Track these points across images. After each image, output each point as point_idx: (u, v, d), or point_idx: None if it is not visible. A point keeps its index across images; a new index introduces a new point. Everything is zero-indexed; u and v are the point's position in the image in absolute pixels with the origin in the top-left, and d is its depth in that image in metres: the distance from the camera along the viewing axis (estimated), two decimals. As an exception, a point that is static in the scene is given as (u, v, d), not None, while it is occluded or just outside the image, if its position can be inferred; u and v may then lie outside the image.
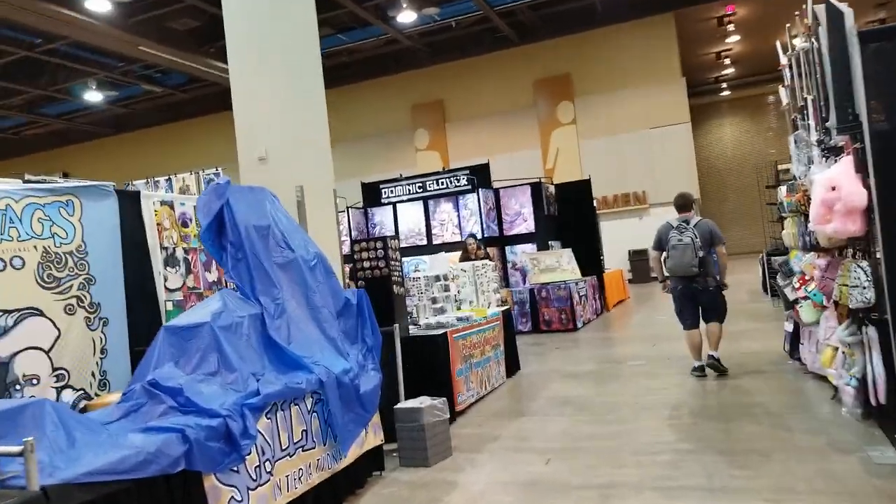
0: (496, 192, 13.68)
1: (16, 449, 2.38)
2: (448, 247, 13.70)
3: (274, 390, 3.73)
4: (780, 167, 12.74)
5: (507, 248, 13.56)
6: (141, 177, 7.50)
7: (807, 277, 6.16)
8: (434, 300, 8.23)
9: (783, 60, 6.68)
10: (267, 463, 3.62)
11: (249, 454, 3.46)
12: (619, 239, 20.80)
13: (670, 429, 5.22)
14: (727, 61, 25.25)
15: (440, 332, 6.38)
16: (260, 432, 3.58)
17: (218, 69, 18.62)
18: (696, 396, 6.18)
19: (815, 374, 6.15)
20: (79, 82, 20.91)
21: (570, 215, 14.23)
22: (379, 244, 6.30)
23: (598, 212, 21.35)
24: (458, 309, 8.02)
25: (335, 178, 6.99)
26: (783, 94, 6.89)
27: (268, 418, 3.69)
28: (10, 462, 2.50)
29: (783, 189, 6.67)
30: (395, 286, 6.27)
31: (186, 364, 3.56)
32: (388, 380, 5.06)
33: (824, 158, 5.05)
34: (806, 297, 6.00)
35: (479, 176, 13.74)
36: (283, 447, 3.78)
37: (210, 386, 3.47)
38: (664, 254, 6.79)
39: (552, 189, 14.21)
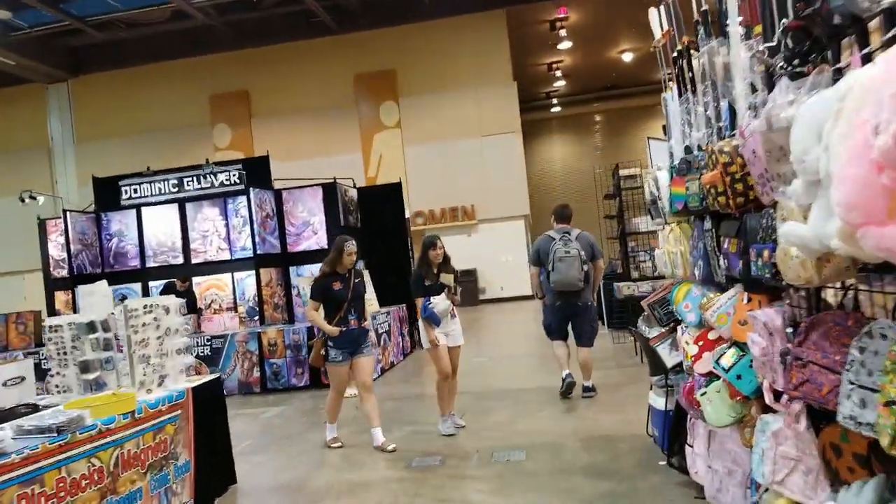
0: (277, 194, 10.06)
1: None
2: (213, 268, 9.88)
3: None
4: (622, 172, 10.34)
5: (293, 270, 9.97)
6: None
7: (712, 337, 3.23)
8: (85, 366, 4.50)
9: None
10: None
11: None
12: (445, 257, 17.93)
13: None
14: (558, 73, 23.55)
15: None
16: None
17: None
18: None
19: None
20: None
21: (376, 227, 10.96)
22: None
23: (423, 227, 18.52)
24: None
25: None
26: (655, 19, 3.98)
27: None
28: None
29: (662, 177, 3.68)
30: None
31: None
32: None
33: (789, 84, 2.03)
34: (710, 377, 3.08)
35: (255, 172, 10.07)
36: None
37: None
38: (548, 267, 6.14)
39: (353, 194, 10.85)
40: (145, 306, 4.25)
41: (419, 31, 18.36)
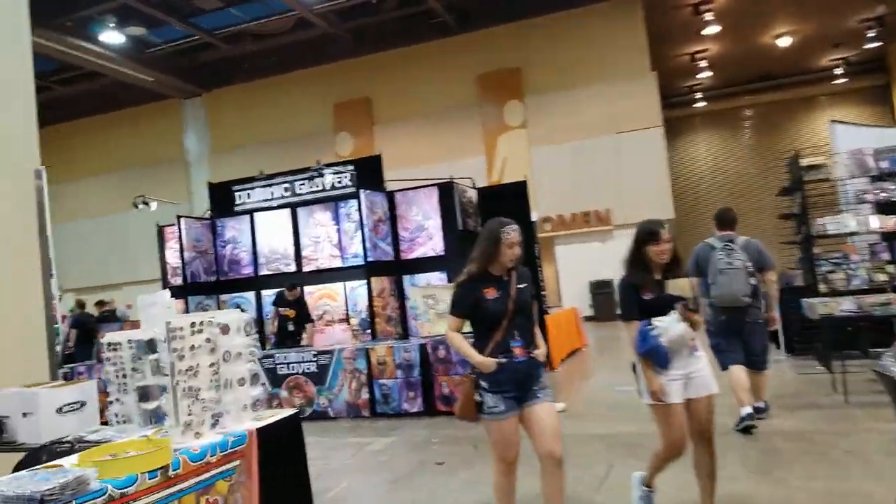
0: (390, 196, 9.14)
1: None
2: (325, 276, 9.14)
3: None
4: (804, 161, 8.41)
5: (406, 279, 8.99)
6: None
7: None
8: (145, 394, 3.63)
9: None
10: None
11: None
12: (577, 268, 16.35)
13: None
14: (703, 64, 21.16)
15: None
16: None
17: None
18: None
19: None
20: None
21: (499, 232, 9.73)
22: None
23: (552, 234, 17.05)
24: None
25: None
26: None
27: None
28: None
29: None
30: None
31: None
32: None
33: None
34: None
35: (367, 174, 9.22)
36: None
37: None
38: (709, 280, 5.29)
39: (472, 195, 9.71)
40: (193, 324, 3.29)
41: (545, 25, 17.04)
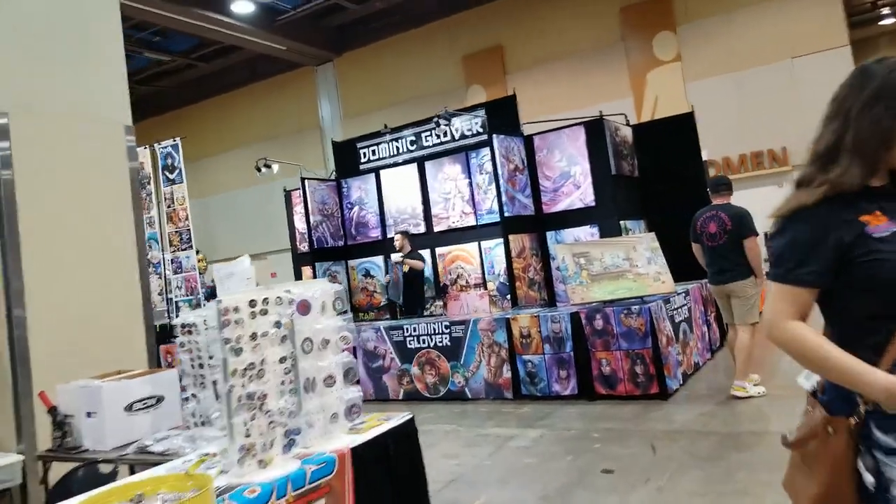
0: (528, 141, 7.79)
1: None
2: (457, 236, 8.09)
3: None
4: None
5: (550, 236, 7.66)
6: None
7: None
8: (247, 397, 2.67)
9: None
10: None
11: None
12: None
13: None
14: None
15: None
16: None
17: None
18: None
19: None
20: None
21: (659, 175, 8.07)
22: None
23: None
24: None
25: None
26: None
27: None
28: None
29: None
30: None
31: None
32: None
33: None
34: None
35: (501, 118, 7.94)
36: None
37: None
38: None
39: (626, 133, 8.09)
40: (254, 302, 2.27)
41: (701, -64, 14.53)
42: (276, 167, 9.89)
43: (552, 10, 16.48)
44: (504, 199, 7.24)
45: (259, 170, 9.75)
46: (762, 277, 5.22)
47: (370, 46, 18.25)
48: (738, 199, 5.87)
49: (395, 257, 7.79)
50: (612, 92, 15.68)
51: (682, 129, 8.07)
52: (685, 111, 8.64)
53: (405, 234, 7.90)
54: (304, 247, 8.85)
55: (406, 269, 7.76)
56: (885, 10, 20.48)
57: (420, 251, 8.02)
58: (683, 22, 15.22)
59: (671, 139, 8.09)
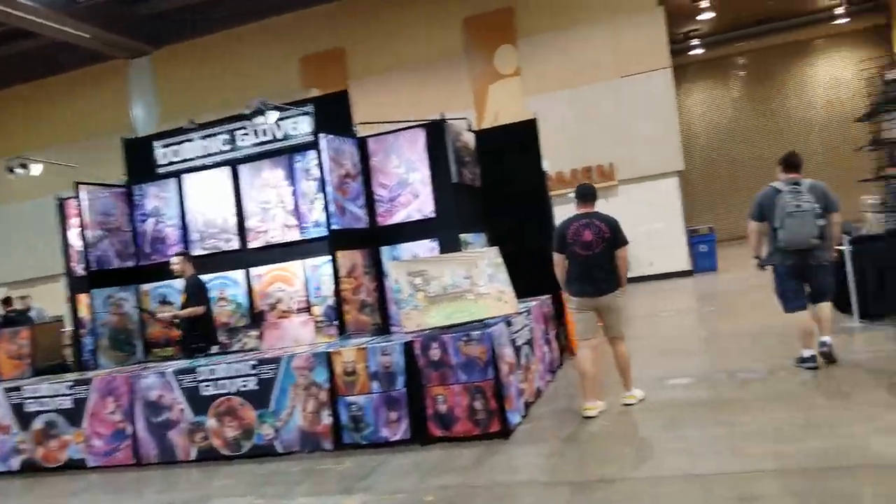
0: (362, 144, 6.80)
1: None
2: (278, 253, 6.88)
3: None
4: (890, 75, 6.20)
5: (386, 252, 6.69)
6: None
7: None
8: None
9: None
10: None
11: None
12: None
13: None
14: (704, 3, 18.72)
15: None
16: None
17: None
18: None
19: None
20: None
21: (501, 186, 7.44)
22: None
23: (550, 193, 14.80)
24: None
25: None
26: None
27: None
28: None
29: None
30: None
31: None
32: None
33: None
34: None
35: (330, 116, 6.88)
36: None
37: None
38: (775, 223, 5.11)
39: (468, 139, 7.38)
40: None
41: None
42: (36, 168, 7.93)
43: (397, 15, 15.73)
44: (332, 209, 6.16)
45: (11, 171, 7.74)
46: (626, 287, 4.97)
47: (195, 41, 16.33)
48: (569, 212, 5.33)
49: (164, 315, 6.53)
50: (455, 104, 15.12)
51: (524, 138, 7.51)
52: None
53: (185, 255, 6.51)
54: (82, 268, 7.10)
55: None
56: (695, 42, 22.31)
57: (230, 273, 6.70)
58: (524, 36, 15.15)
59: (514, 148, 7.50)
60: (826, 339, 5.28)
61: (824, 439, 3.77)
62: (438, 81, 15.56)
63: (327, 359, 4.88)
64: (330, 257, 6.12)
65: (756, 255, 5.51)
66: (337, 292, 6.02)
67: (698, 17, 20.01)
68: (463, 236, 6.51)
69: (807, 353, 5.18)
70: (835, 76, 21.81)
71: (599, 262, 4.81)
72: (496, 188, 7.43)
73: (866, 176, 9.40)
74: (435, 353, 4.67)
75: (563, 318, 6.97)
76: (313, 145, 6.42)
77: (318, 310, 6.64)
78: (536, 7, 14.92)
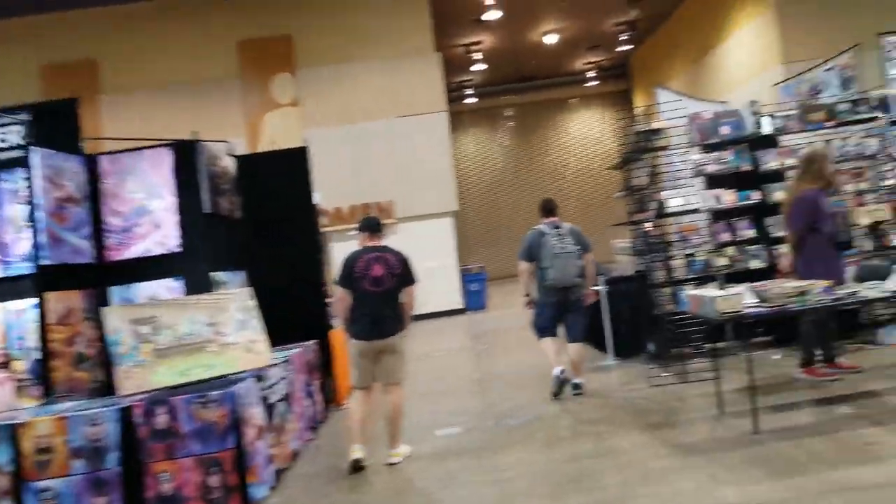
0: (92, 161, 5.63)
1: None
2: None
3: None
4: (643, 127, 6.87)
5: (115, 292, 5.55)
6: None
7: None
8: None
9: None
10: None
11: None
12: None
13: None
14: (477, 56, 20.06)
15: None
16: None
17: None
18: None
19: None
20: None
21: (266, 218, 6.73)
22: None
23: (329, 229, 14.15)
24: None
25: None
26: None
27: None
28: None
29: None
30: None
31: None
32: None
33: None
34: None
35: (52, 127, 5.62)
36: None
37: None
38: (543, 264, 5.61)
39: (228, 164, 6.56)
40: None
41: (318, -13, 14.24)
42: None
43: (166, 29, 14.18)
44: (44, 239, 4.93)
45: None
46: (408, 328, 4.67)
47: None
48: (349, 248, 4.94)
49: None
50: (225, 131, 13.93)
51: (294, 167, 6.93)
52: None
53: None
54: None
55: None
56: (469, 91, 23.84)
57: None
58: (303, 66, 14.61)
59: (282, 177, 6.86)
60: (579, 380, 5.70)
61: (588, 493, 3.68)
62: (209, 104, 14.31)
63: (11, 434, 3.73)
64: (37, 300, 4.86)
65: (527, 293, 5.88)
66: (43, 344, 4.78)
67: (471, 68, 21.37)
68: (215, 275, 5.67)
69: (559, 369, 5.62)
70: (586, 132, 24.72)
71: (388, 299, 4.48)
72: (261, 221, 6.70)
73: (619, 221, 10.44)
74: (161, 419, 3.80)
75: (329, 367, 6.41)
76: (22, 162, 5.14)
77: (21, 365, 5.23)
78: (317, 37, 14.53)
